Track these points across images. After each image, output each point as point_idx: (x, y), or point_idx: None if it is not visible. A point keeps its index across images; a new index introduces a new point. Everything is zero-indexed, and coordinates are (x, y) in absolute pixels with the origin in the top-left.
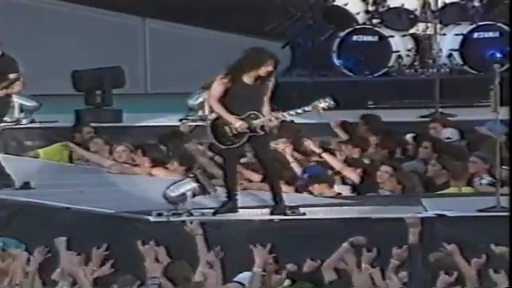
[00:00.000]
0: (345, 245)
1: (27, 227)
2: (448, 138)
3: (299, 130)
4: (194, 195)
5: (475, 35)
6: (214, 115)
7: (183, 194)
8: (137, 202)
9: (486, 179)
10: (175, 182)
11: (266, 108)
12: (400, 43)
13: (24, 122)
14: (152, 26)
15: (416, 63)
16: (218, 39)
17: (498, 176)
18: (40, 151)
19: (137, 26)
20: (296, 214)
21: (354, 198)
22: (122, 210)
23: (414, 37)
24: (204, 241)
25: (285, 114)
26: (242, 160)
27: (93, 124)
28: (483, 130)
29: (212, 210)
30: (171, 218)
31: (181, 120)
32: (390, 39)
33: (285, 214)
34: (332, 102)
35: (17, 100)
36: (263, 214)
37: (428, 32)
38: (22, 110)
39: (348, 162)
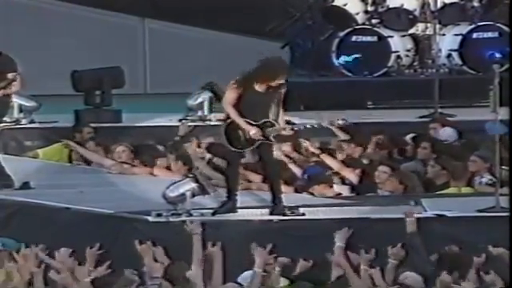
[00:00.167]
0: (338, 244)
1: (26, 227)
2: (445, 141)
3: (298, 131)
4: (193, 195)
5: (474, 35)
6: (229, 120)
7: (182, 195)
8: (136, 203)
9: (487, 178)
10: (174, 183)
11: (280, 116)
12: (399, 43)
13: (23, 122)
14: (151, 26)
15: (415, 63)
16: (217, 39)
17: (497, 176)
18: (39, 151)
19: (136, 26)
20: (295, 214)
21: (354, 199)
22: (122, 210)
23: (414, 37)
24: (201, 241)
25: (300, 124)
26: (242, 160)
27: (92, 124)
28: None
29: (211, 211)
30: (170, 219)
31: (180, 120)
32: (389, 39)
33: (284, 215)
34: (348, 122)
35: (16, 100)
36: (263, 215)
37: (427, 32)
38: (21, 110)
39: (346, 163)
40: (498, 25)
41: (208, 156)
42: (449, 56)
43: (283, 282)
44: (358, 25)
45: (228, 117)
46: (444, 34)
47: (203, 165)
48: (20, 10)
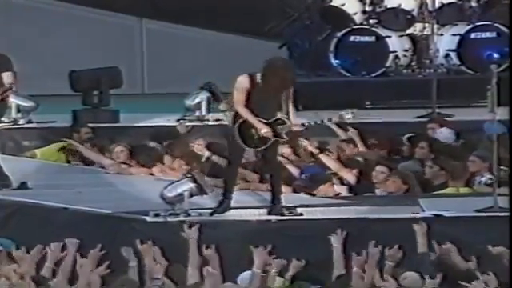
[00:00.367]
0: (335, 245)
1: (24, 227)
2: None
3: (297, 131)
4: (191, 195)
5: (472, 35)
6: (241, 119)
7: (180, 195)
8: (134, 203)
9: (486, 177)
10: (172, 183)
11: (291, 113)
12: (397, 43)
13: (21, 122)
14: (149, 27)
15: (413, 63)
16: (215, 39)
17: (495, 176)
18: (37, 151)
19: (134, 27)
20: (293, 214)
21: (352, 199)
22: (120, 210)
23: (412, 37)
24: (196, 243)
25: (311, 122)
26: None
27: (90, 124)
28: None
29: (209, 211)
30: (168, 219)
31: (178, 120)
32: (387, 39)
33: (282, 215)
34: (356, 113)
35: (14, 100)
36: (261, 215)
37: (425, 32)
38: (19, 111)
39: (344, 163)
40: (496, 25)
41: (207, 154)
42: (447, 56)
43: (278, 281)
44: (355, 25)
45: (236, 116)
46: (442, 34)
47: (200, 166)
48: (18, 10)
